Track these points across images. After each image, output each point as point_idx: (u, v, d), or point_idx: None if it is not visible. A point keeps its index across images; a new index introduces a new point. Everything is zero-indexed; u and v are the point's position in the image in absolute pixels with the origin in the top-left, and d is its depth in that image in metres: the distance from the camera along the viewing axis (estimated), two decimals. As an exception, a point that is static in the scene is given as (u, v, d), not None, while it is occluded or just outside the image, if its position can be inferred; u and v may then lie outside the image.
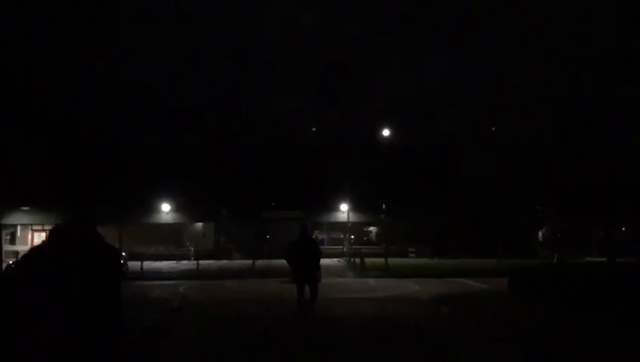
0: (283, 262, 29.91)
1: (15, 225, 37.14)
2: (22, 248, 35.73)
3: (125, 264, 23.91)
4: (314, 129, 40.11)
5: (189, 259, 33.71)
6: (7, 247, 35.45)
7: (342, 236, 40.22)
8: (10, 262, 24.16)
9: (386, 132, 28.26)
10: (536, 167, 37.39)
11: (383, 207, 31.23)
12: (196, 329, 10.57)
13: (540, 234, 39.78)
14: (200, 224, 40.47)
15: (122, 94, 39.96)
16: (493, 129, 38.61)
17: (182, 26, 42.69)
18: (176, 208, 38.31)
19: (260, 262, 28.94)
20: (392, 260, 28.39)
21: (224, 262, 33.47)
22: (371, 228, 41.41)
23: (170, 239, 38.07)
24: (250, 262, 29.40)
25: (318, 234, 40.84)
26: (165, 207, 38.03)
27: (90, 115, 39.11)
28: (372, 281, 21.26)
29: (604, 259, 20.52)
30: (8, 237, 37.23)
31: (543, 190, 37.09)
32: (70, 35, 36.47)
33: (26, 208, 35.51)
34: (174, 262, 32.89)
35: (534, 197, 37.60)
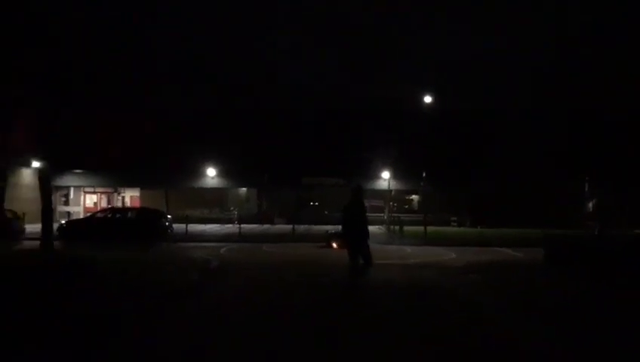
0: (323, 227, 30.30)
1: (68, 187, 38.69)
2: (75, 209, 37.40)
3: (170, 226, 24.80)
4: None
5: (232, 223, 34.51)
6: (61, 208, 37.13)
7: (382, 204, 40.20)
8: (63, 222, 25.42)
9: (428, 98, 27.86)
10: (589, 135, 36.08)
11: (424, 175, 31.04)
12: (228, 292, 10.92)
13: (590, 205, 38.76)
14: (244, 189, 41.20)
15: (167, 60, 40.50)
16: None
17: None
18: (221, 173, 39.06)
19: (300, 228, 29.44)
20: (432, 229, 28.40)
21: (266, 226, 34.13)
22: (413, 197, 41.24)
23: (214, 203, 39.00)
24: (289, 226, 29.95)
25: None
26: (211, 171, 38.82)
27: (138, 81, 39.86)
28: (408, 249, 21.34)
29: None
30: (63, 199, 38.91)
31: (595, 160, 35.88)
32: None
33: (79, 171, 36.90)
34: (218, 225, 33.72)
35: (585, 166, 36.47)
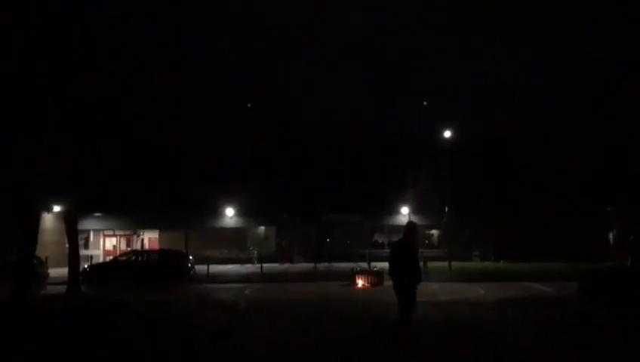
0: (343, 265, 30.03)
1: (88, 231, 38.85)
2: (95, 252, 37.42)
3: (193, 267, 24.71)
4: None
5: (252, 262, 34.36)
6: (81, 251, 37.19)
7: (402, 239, 39.90)
8: (86, 266, 25.44)
9: (447, 133, 27.92)
10: (608, 165, 35.77)
11: (446, 209, 30.87)
12: (265, 330, 10.81)
13: (611, 236, 38.23)
14: (262, 227, 41.14)
15: (183, 100, 40.96)
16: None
17: (238, 25, 43.22)
18: (240, 212, 39.13)
19: (321, 266, 29.26)
20: (455, 264, 28.13)
21: (286, 265, 33.92)
22: (432, 231, 40.95)
23: (233, 242, 38.85)
24: (309, 265, 29.88)
25: (377, 237, 40.77)
26: (229, 211, 38.91)
27: (157, 123, 40.36)
28: (435, 285, 21.07)
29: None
30: (82, 242, 39.03)
31: (614, 189, 35.52)
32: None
33: (99, 214, 37.12)
34: (238, 265, 33.58)
35: (604, 197, 36.11)
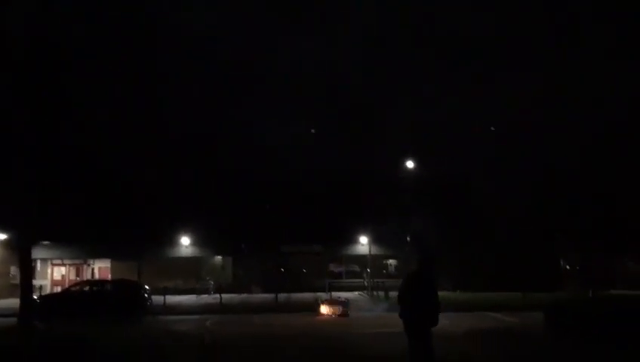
0: (303, 295, 29.75)
1: (35, 260, 37.10)
2: (42, 282, 35.77)
3: (149, 298, 23.88)
4: (313, 130, 40.39)
5: (208, 293, 33.55)
6: (27, 282, 35.42)
7: (358, 269, 39.88)
8: (35, 297, 24.16)
9: (409, 164, 28.24)
10: (557, 198, 37.04)
11: (408, 239, 31.05)
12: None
13: (563, 264, 39.34)
14: (219, 257, 40.37)
15: (136, 128, 40.18)
16: (492, 128, 38.28)
17: (193, 57, 42.98)
18: (196, 242, 38.28)
19: (280, 296, 28.84)
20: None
21: (244, 295, 33.27)
22: (390, 261, 41.08)
23: (189, 273, 37.91)
24: (268, 295, 29.50)
25: (333, 268, 40.55)
26: (185, 240, 38.00)
27: (108, 151, 39.44)
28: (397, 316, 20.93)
29: (632, 292, 20.24)
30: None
31: (564, 223, 36.69)
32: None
33: (46, 243, 35.57)
34: (194, 296, 32.71)
35: (555, 228, 37.20)
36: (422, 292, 7.46)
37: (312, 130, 40.44)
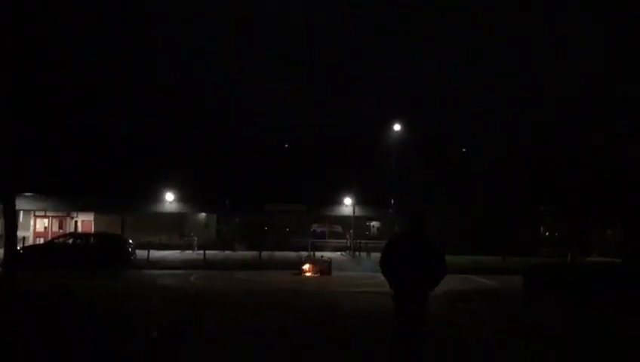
0: (286, 254, 30.01)
1: (18, 211, 36.86)
2: (24, 234, 35.60)
3: (133, 252, 23.95)
4: (286, 145, 40.60)
5: (191, 249, 33.68)
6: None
7: (340, 230, 40.16)
8: (19, 249, 24.08)
9: (396, 127, 28.29)
10: (537, 166, 37.51)
11: (392, 202, 31.29)
12: (232, 324, 10.58)
13: (542, 231, 40.07)
14: (203, 214, 40.41)
15: (124, 84, 39.69)
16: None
17: (182, 18, 42.28)
18: (180, 198, 38.18)
19: (263, 254, 29.12)
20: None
21: (227, 252, 33.45)
22: (373, 223, 41.49)
23: (173, 229, 37.95)
24: (252, 253, 29.76)
25: (316, 228, 40.80)
26: (169, 196, 37.88)
27: (95, 105, 38.96)
28: (381, 276, 21.28)
29: (608, 260, 20.72)
30: (9, 223, 37.00)
31: (543, 189, 37.20)
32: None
33: (29, 194, 35.26)
34: (178, 251, 32.84)
35: (535, 196, 37.73)
36: (417, 254, 6.43)
37: (286, 145, 40.23)
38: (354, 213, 35.22)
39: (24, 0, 17.27)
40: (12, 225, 16.65)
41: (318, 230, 40.56)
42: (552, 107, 39.30)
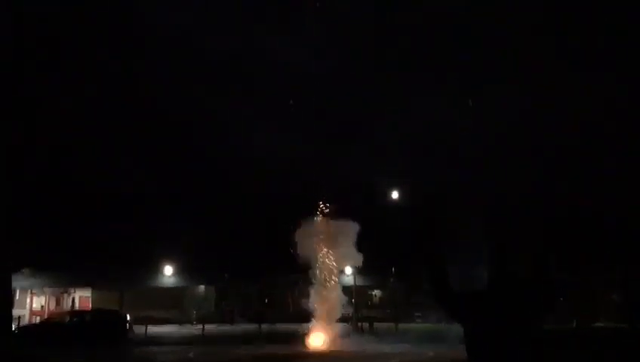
0: (286, 326, 29.40)
1: (14, 289, 36.32)
2: (20, 312, 34.95)
3: (131, 328, 23.48)
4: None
5: (190, 322, 33.02)
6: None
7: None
8: (14, 329, 23.62)
9: (394, 194, 28.35)
10: (535, 221, 37.13)
11: (393, 270, 30.94)
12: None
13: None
14: (202, 287, 39.88)
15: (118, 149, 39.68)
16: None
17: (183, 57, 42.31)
18: (178, 271, 37.76)
19: (264, 327, 28.52)
20: (400, 325, 28.05)
21: (227, 326, 32.79)
22: (375, 292, 40.83)
23: (171, 303, 37.30)
24: (252, 326, 29.17)
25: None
26: (167, 269, 37.49)
27: (93, 175, 39.05)
28: (387, 347, 20.78)
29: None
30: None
31: (544, 243, 36.50)
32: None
33: (26, 270, 34.85)
34: (177, 326, 32.19)
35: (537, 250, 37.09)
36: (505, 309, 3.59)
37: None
38: (355, 282, 34.71)
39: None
40: (9, 303, 16.38)
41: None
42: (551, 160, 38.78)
